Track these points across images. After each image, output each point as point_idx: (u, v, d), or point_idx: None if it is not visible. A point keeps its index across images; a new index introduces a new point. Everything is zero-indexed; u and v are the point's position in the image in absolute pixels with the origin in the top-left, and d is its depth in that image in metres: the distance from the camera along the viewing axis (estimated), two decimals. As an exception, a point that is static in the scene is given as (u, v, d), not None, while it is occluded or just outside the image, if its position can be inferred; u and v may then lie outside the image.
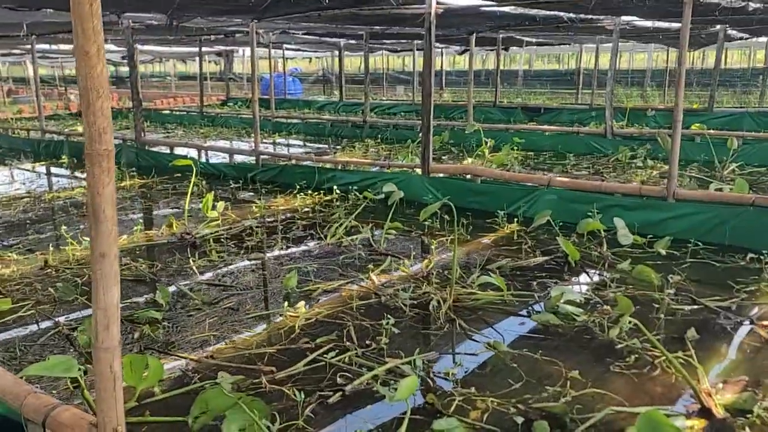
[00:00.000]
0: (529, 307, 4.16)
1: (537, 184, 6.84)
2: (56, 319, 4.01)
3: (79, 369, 2.61)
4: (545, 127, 12.96)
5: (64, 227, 5.92)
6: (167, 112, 20.02)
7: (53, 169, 10.26)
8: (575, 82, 21.74)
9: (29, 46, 12.95)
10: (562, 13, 9.21)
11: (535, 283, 4.61)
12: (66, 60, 25.98)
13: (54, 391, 3.11)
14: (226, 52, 22.88)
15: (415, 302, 4.24)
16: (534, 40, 16.37)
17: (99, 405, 1.99)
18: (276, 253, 5.47)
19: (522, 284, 4.57)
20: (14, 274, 4.89)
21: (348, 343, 3.60)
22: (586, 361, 3.40)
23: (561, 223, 5.70)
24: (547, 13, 9.18)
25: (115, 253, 1.91)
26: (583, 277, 4.79)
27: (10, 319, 4.04)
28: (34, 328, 3.94)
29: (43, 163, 10.84)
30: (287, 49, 21.84)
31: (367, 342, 3.62)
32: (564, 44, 20.37)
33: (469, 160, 9.39)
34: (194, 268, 5.00)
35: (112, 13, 8.58)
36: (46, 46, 17.93)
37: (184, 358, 3.47)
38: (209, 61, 29.57)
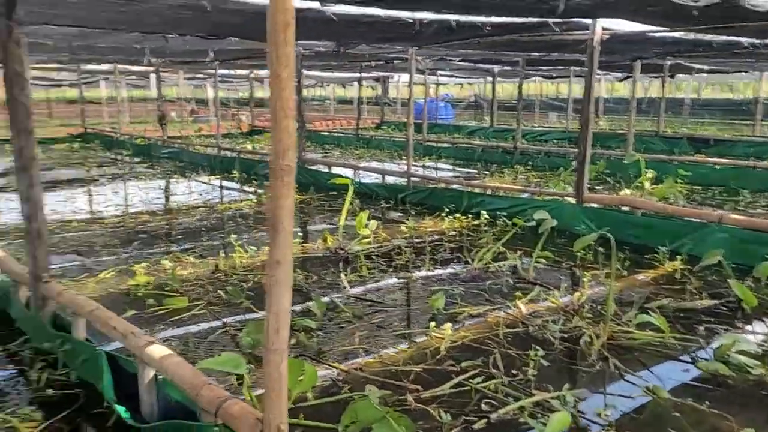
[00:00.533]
0: (694, 353, 3.84)
1: (705, 220, 6.31)
2: (224, 320, 4.37)
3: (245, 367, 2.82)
4: (715, 159, 11.94)
5: (233, 236, 6.46)
6: (326, 133, 21.15)
7: (225, 183, 11.25)
8: (752, 113, 19.85)
9: (212, 71, 14.36)
10: (742, 39, 8.47)
11: (701, 327, 4.24)
12: (240, 84, 28.46)
13: (222, 385, 3.39)
14: (383, 77, 23.79)
15: (565, 335, 4.09)
16: (705, 67, 15.18)
17: (266, 402, 2.14)
18: (423, 273, 5.55)
19: (685, 328, 4.23)
20: (190, 276, 5.41)
21: (494, 370, 3.55)
22: (764, 419, 3.06)
23: (733, 265, 5.22)
24: (725, 38, 8.49)
25: (290, 261, 2.06)
26: (760, 327, 4.33)
27: (186, 316, 4.48)
28: (204, 325, 4.33)
29: (217, 176, 11.92)
30: (441, 75, 22.20)
31: (513, 371, 3.55)
32: (740, 71, 18.67)
33: (627, 191, 8.90)
34: (345, 282, 5.21)
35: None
36: (225, 71, 19.78)
37: (335, 367, 3.63)
38: (366, 86, 30.88)
